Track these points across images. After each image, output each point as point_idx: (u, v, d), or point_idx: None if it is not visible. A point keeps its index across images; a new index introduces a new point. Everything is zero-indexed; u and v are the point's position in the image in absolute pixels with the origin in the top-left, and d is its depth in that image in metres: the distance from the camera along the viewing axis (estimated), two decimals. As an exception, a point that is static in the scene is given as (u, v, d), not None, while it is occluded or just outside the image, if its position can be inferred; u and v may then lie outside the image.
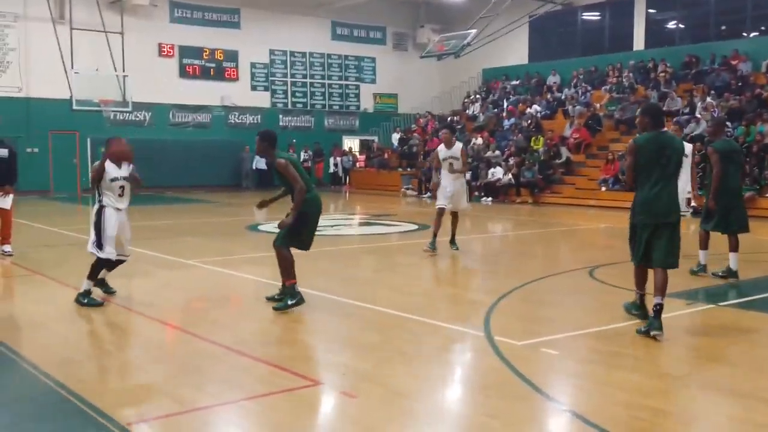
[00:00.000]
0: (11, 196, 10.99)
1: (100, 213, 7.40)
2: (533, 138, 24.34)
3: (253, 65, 29.69)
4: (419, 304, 7.94)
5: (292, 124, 30.78)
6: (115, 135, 8.24)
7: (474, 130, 27.25)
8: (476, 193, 23.22)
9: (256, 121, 29.74)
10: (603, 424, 4.38)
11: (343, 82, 32.16)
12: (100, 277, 7.65)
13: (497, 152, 24.64)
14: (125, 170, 7.51)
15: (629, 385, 5.15)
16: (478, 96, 30.61)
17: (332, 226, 15.92)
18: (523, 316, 7.42)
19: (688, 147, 9.79)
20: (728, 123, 19.61)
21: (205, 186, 27.28)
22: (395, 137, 30.56)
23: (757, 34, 24.39)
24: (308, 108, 31.24)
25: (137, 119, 26.86)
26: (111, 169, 7.42)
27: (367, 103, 32.65)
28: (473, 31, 24.86)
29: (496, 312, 7.30)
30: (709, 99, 21.66)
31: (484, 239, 12.28)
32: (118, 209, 7.44)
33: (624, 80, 25.55)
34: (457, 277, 10.33)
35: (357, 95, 32.50)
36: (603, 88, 25.97)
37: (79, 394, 4.89)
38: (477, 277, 10.39)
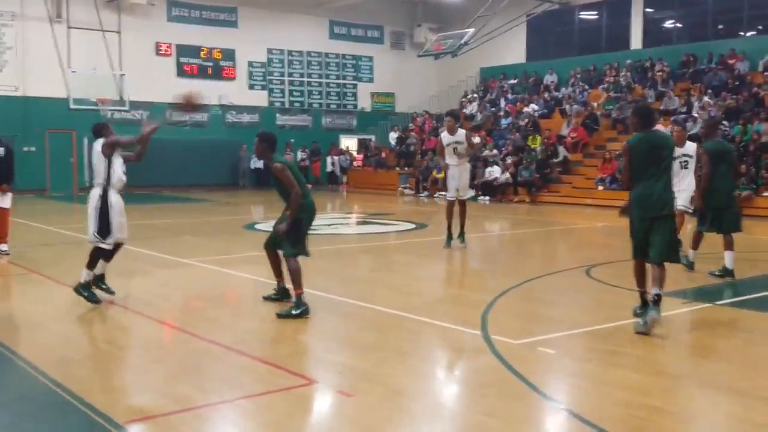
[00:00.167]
0: (10, 195, 10.99)
1: (105, 199, 7.32)
2: (531, 137, 24.36)
3: (250, 64, 29.68)
4: (417, 303, 7.95)
5: (290, 123, 30.77)
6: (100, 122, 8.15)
7: (471, 129, 27.24)
8: (473, 192, 23.22)
9: (253, 120, 29.73)
10: (600, 422, 4.39)
11: (341, 81, 32.16)
12: (98, 273, 7.55)
13: (495, 151, 24.65)
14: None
15: (626, 383, 5.16)
16: (475, 95, 30.62)
17: (330, 225, 15.93)
18: (521, 315, 7.44)
19: (692, 147, 9.85)
20: (725, 122, 19.71)
21: (203, 185, 27.26)
22: (393, 136, 30.56)
23: (754, 33, 24.44)
24: (306, 107, 31.23)
25: (134, 118, 26.80)
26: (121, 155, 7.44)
27: (364, 102, 32.65)
28: (471, 30, 24.86)
29: (493, 311, 7.31)
30: (706, 98, 21.69)
31: (481, 238, 12.30)
32: (119, 193, 7.46)
33: (621, 79, 25.57)
34: (455, 276, 10.34)
35: (354, 94, 32.49)
36: (600, 87, 25.98)
37: (77, 394, 4.89)
38: (474, 276, 10.40)
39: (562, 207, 20.48)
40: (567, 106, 25.59)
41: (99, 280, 7.60)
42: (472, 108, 29.67)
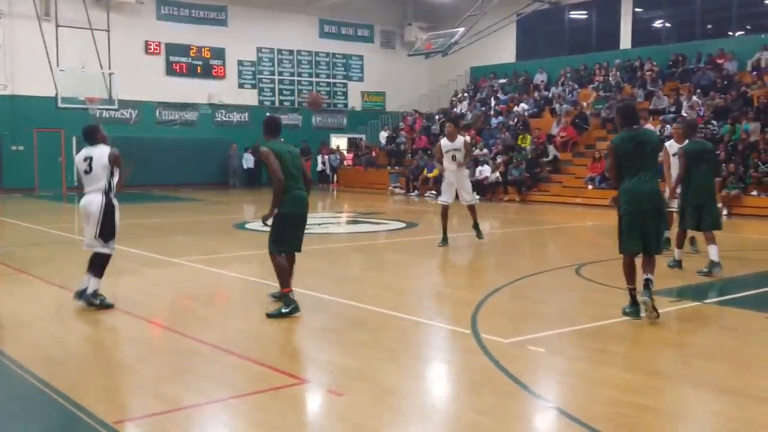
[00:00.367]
0: (-3, 194, 10.92)
1: (111, 207, 7.29)
2: (521, 136, 24.40)
3: (240, 63, 29.61)
4: (407, 302, 7.96)
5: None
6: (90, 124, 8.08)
7: (462, 128, 27.26)
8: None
9: (243, 119, 29.68)
10: (589, 421, 4.40)
11: (331, 80, 32.13)
12: (83, 287, 7.45)
13: (485, 150, 24.68)
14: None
15: (615, 382, 5.18)
16: (465, 94, 30.65)
17: (320, 224, 15.91)
18: (511, 314, 7.45)
19: None
20: (714, 122, 19.82)
21: (193, 184, 27.19)
22: (383, 135, 30.56)
23: (742, 33, 24.57)
24: (296, 106, 31.19)
25: (123, 117, 26.73)
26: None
27: (354, 101, 32.63)
28: (461, 30, 24.88)
29: (483, 310, 7.32)
30: (695, 98, 21.79)
31: (471, 237, 12.31)
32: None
33: (611, 79, 25.66)
34: (445, 275, 10.35)
35: (345, 93, 32.46)
36: (590, 86, 26.06)
37: (65, 394, 4.86)
38: (465, 274, 10.41)
39: (552, 206, 20.53)
40: (557, 106, 25.65)
41: (80, 294, 7.47)
42: (462, 107, 29.70)
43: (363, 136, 32.19)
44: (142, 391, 5.08)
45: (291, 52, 30.93)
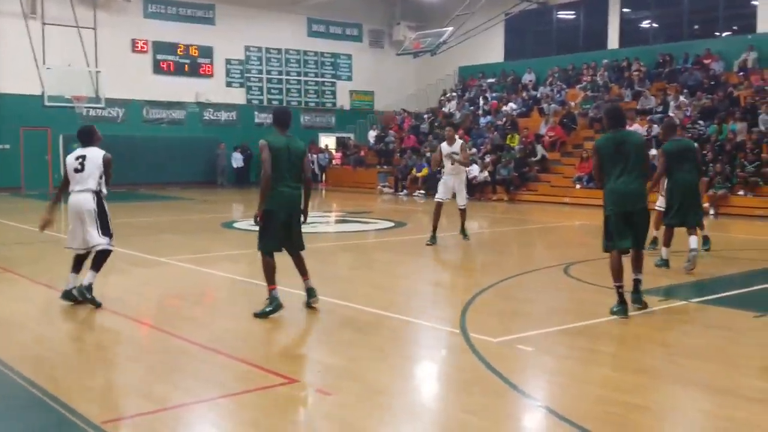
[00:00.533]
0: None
1: (104, 205, 7.30)
2: (509, 136, 24.45)
3: (228, 61, 29.51)
4: (396, 301, 7.95)
5: (268, 120, 30.58)
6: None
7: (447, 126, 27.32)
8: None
9: (231, 118, 29.60)
10: (578, 420, 4.41)
11: (319, 79, 32.07)
12: (70, 287, 7.41)
13: (473, 150, 24.69)
14: None
15: (604, 381, 5.20)
16: (454, 94, 30.68)
17: (309, 223, 15.86)
18: (499, 313, 7.46)
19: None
20: (701, 122, 19.93)
21: (180, 183, 27.08)
22: (372, 134, 30.55)
23: (729, 33, 24.70)
24: (284, 105, 31.09)
25: (110, 115, 26.58)
26: None
27: (343, 101, 32.59)
28: (449, 29, 24.90)
29: (472, 309, 7.33)
30: (682, 98, 21.90)
31: (451, 238, 12.34)
32: None
33: (598, 79, 25.75)
34: (434, 274, 10.35)
35: (333, 92, 32.42)
36: (578, 86, 26.15)
37: (52, 393, 4.83)
38: (453, 274, 10.42)
39: (540, 205, 20.58)
40: (545, 105, 25.72)
41: (71, 294, 7.45)
42: (450, 107, 29.73)
43: (351, 135, 32.16)
44: (130, 390, 5.06)
45: (279, 50, 30.85)
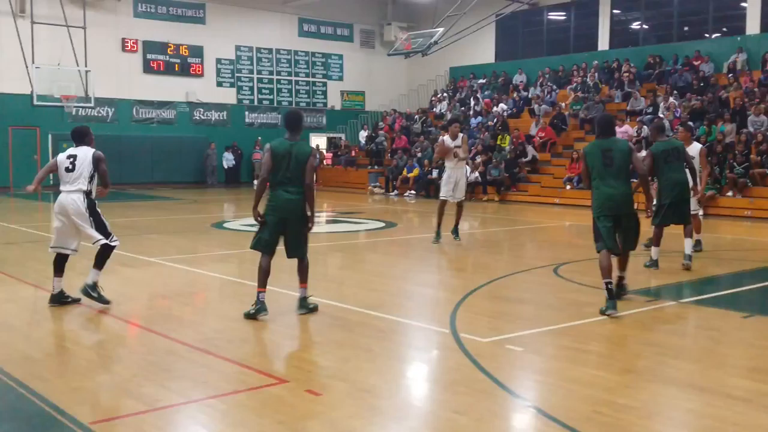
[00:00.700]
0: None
1: (95, 204, 7.28)
2: (500, 136, 24.50)
3: (218, 61, 29.45)
4: (386, 301, 7.96)
5: (259, 120, 30.59)
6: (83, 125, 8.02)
7: (449, 124, 27.31)
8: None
9: (221, 118, 29.54)
10: (566, 419, 4.43)
11: (310, 79, 32.05)
12: (57, 291, 7.38)
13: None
14: None
15: (592, 380, 5.22)
16: (445, 94, 30.72)
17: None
18: (489, 313, 7.47)
19: (697, 147, 10.40)
20: (690, 123, 20.01)
21: (170, 183, 27.02)
22: (362, 135, 30.55)
23: (718, 35, 24.83)
24: (275, 105, 31.08)
25: (100, 115, 26.48)
26: None
27: (334, 101, 32.57)
28: (440, 30, 24.91)
29: (461, 309, 7.34)
30: (671, 99, 22.00)
31: (450, 236, 12.35)
32: None
33: (589, 80, 25.84)
34: (424, 274, 10.36)
35: (324, 92, 32.40)
36: (568, 87, 26.23)
37: (40, 393, 4.82)
38: (443, 274, 10.43)
39: (530, 206, 20.63)
40: (536, 106, 25.79)
41: (57, 297, 7.39)
42: (441, 107, 29.76)
43: (342, 136, 32.16)
44: (118, 391, 5.04)
45: (270, 50, 30.81)
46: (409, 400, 5.06)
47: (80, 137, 7.46)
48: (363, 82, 32.99)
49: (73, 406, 4.60)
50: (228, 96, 29.84)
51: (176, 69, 28.30)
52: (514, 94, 27.83)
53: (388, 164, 26.56)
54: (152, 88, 27.63)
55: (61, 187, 7.29)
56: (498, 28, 29.78)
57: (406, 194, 24.20)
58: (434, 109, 30.08)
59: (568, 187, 20.92)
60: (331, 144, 32.08)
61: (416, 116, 29.76)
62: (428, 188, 23.77)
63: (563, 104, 25.31)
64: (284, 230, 7.00)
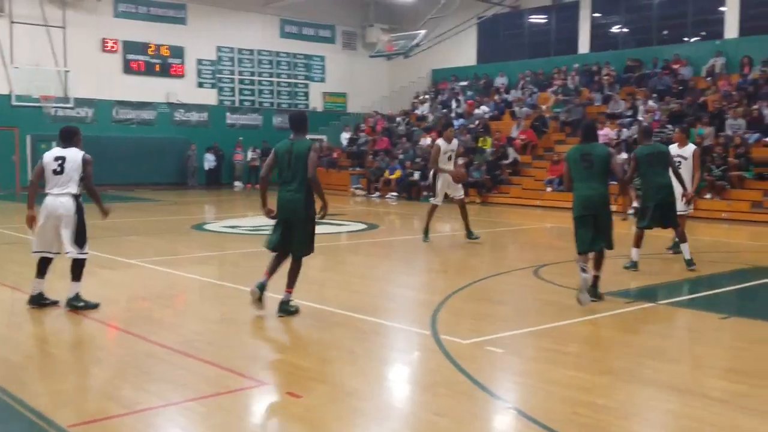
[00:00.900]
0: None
1: (83, 211, 7.19)
2: (481, 138, 24.57)
3: (199, 62, 29.29)
4: (367, 303, 7.96)
5: (240, 122, 30.46)
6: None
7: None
8: (425, 193, 23.34)
9: (202, 119, 29.38)
10: (546, 420, 4.45)
11: (292, 81, 31.97)
12: (36, 292, 7.31)
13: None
14: None
15: (572, 382, 5.25)
16: (427, 96, 30.77)
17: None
18: (470, 315, 7.50)
19: (690, 149, 10.52)
20: (669, 126, 20.20)
21: (150, 184, 26.82)
22: (344, 136, 30.51)
23: (698, 39, 25.06)
24: (256, 106, 30.97)
25: (79, 116, 26.22)
26: None
27: (316, 102, 32.52)
28: (422, 32, 24.97)
29: (443, 311, 7.36)
30: (651, 102, 22.18)
31: (431, 238, 12.37)
32: None
33: (569, 83, 25.99)
34: (406, 276, 10.37)
35: (306, 94, 32.33)
36: (549, 90, 26.36)
37: (18, 397, 4.77)
38: (425, 276, 10.45)
39: (511, 208, 20.71)
40: (517, 109, 25.89)
41: (36, 299, 7.33)
42: (423, 109, 29.81)
43: (324, 137, 32.08)
44: (98, 394, 5.01)
45: (251, 51, 30.70)
46: (389, 401, 5.06)
47: (68, 138, 7.35)
48: (345, 83, 32.96)
49: (52, 410, 4.57)
50: (209, 97, 29.69)
51: (157, 70, 28.12)
52: (496, 97, 27.93)
53: (370, 166, 26.55)
54: (132, 89, 27.43)
55: (48, 190, 7.18)
56: (479, 31, 29.88)
57: (387, 196, 24.21)
58: (416, 111, 30.12)
59: (549, 189, 21.02)
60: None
61: (399, 118, 29.78)
62: (410, 190, 23.80)
63: (544, 107, 25.43)
64: (289, 229, 7.14)
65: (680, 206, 9.81)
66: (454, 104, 28.68)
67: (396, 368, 5.90)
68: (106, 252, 11.01)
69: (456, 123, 26.89)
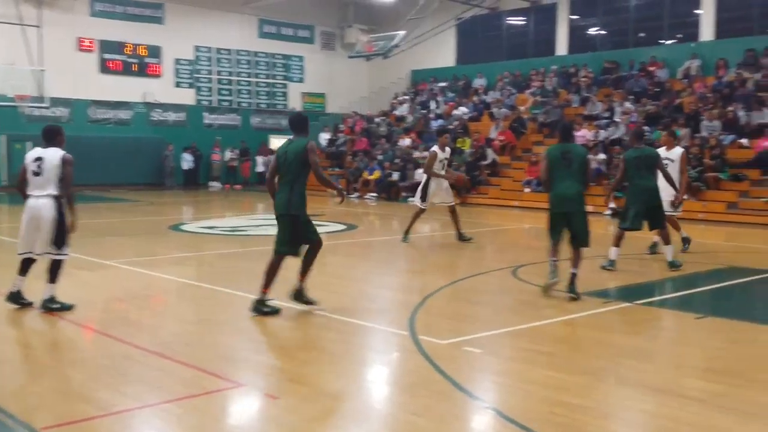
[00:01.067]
0: None
1: (62, 208, 7.04)
2: (460, 139, 24.63)
3: (177, 61, 29.09)
4: (346, 303, 7.94)
5: (218, 122, 30.30)
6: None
7: (403, 131, 27.43)
8: (404, 194, 23.37)
9: (180, 119, 29.19)
10: (524, 420, 4.46)
11: (271, 81, 31.86)
12: (16, 289, 7.23)
13: (425, 153, 24.81)
14: None
15: (549, 381, 5.27)
16: (406, 97, 30.79)
17: (258, 225, 15.76)
18: (448, 316, 7.50)
19: (678, 151, 10.69)
20: (646, 127, 20.38)
21: (127, 185, 26.58)
22: (323, 137, 30.45)
23: (674, 41, 25.30)
24: (234, 106, 30.82)
25: (55, 115, 25.91)
26: None
27: (294, 103, 32.41)
28: (402, 33, 24.99)
29: (421, 311, 7.36)
30: (627, 104, 22.36)
31: (411, 239, 12.37)
32: None
33: (547, 84, 26.13)
34: (384, 276, 10.36)
35: (285, 94, 32.22)
36: (527, 91, 26.48)
37: (-11, 400, 4.70)
38: (404, 276, 10.44)
39: (490, 209, 20.77)
40: (495, 110, 25.98)
41: (17, 297, 7.25)
42: (402, 110, 29.83)
43: (303, 138, 31.95)
44: (72, 396, 4.94)
45: (229, 51, 30.55)
46: (367, 402, 5.05)
47: (50, 137, 7.22)
48: (324, 84, 32.90)
49: (26, 412, 4.51)
50: (186, 97, 29.50)
51: (134, 69, 27.89)
52: (474, 98, 28.01)
53: (349, 166, 26.53)
54: (109, 89, 27.17)
55: (29, 192, 7.07)
56: (458, 32, 29.96)
57: (366, 196, 24.19)
58: (395, 112, 30.13)
59: (528, 189, 21.11)
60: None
61: (380, 119, 29.76)
62: (389, 191, 23.80)
63: (522, 108, 25.55)
64: (280, 228, 7.27)
65: (666, 207, 9.96)
66: (433, 105, 28.74)
67: (374, 369, 5.89)
68: (83, 253, 10.88)
69: (435, 124, 26.96)
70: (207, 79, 30.05)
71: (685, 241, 11.45)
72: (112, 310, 7.72)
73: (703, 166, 18.42)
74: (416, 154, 24.79)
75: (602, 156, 20.27)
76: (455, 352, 6.01)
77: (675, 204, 10.27)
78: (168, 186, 27.82)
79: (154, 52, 28.31)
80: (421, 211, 12.65)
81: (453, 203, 12.80)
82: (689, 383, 5.34)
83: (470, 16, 27.43)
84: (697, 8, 24.19)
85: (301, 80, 32.58)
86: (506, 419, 4.53)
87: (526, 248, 13.49)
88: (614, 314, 7.62)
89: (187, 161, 28.55)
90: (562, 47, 27.66)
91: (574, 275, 7.86)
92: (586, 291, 8.04)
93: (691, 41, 24.22)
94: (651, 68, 24.06)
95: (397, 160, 24.86)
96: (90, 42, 26.81)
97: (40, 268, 7.30)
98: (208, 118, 29.97)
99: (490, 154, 23.49)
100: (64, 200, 7.09)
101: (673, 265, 9.80)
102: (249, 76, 31.21)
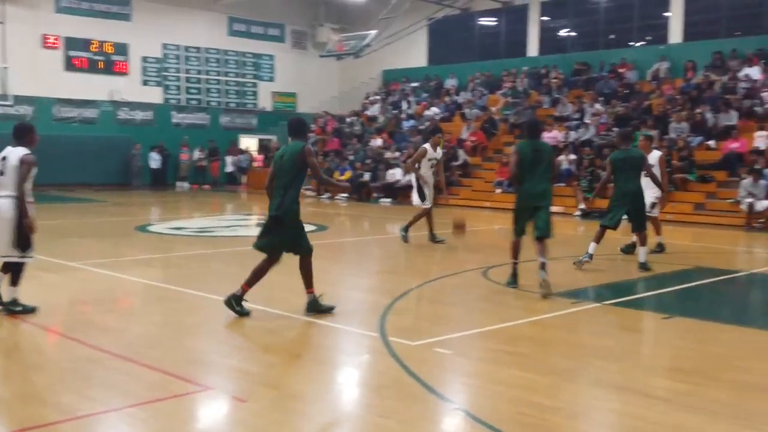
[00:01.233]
0: None
1: (22, 209, 6.84)
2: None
3: (144, 59, 28.75)
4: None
5: (186, 121, 29.99)
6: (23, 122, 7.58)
7: (375, 131, 27.40)
8: (375, 195, 23.33)
9: (147, 118, 28.84)
10: (493, 421, 4.45)
11: (240, 80, 31.63)
12: None
13: (396, 153, 24.82)
14: None
15: (518, 382, 5.26)
16: (377, 97, 30.76)
17: (228, 227, 15.62)
18: (418, 317, 7.49)
19: (656, 155, 11.07)
20: (615, 128, 20.57)
21: (93, 184, 26.19)
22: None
23: (643, 43, 25.59)
24: (203, 105, 30.55)
25: (19, 113, 25.44)
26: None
27: (265, 102, 32.23)
28: (373, 32, 24.95)
29: (391, 313, 7.33)
30: (597, 105, 22.55)
31: (381, 240, 12.36)
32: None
33: (518, 85, 26.27)
34: (355, 278, 10.32)
35: (255, 93, 32.01)
36: (499, 92, 26.59)
37: (-53, 406, 4.57)
38: (374, 278, 10.41)
39: (461, 209, 20.78)
40: (467, 110, 26.06)
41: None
42: (374, 110, 29.79)
43: (274, 138, 31.80)
44: (35, 400, 4.83)
45: (198, 49, 30.27)
46: (336, 405, 5.01)
47: (19, 136, 7.05)
48: (294, 83, 32.74)
49: (-16, 418, 4.39)
50: (154, 95, 29.17)
51: (100, 67, 27.51)
52: (446, 98, 28.06)
53: (321, 167, 26.41)
54: (74, 87, 26.76)
55: None
56: (430, 32, 30.02)
57: (337, 197, 24.12)
58: (366, 112, 30.08)
59: (498, 190, 21.19)
60: (262, 146, 31.67)
61: (352, 119, 29.69)
62: (360, 191, 23.74)
63: (494, 109, 25.65)
64: (269, 229, 7.34)
65: (647, 208, 10.15)
66: (404, 105, 28.74)
67: (343, 371, 5.84)
68: (46, 254, 10.67)
69: (406, 124, 26.97)
70: (175, 78, 29.75)
71: (660, 246, 11.54)
72: (77, 313, 7.59)
73: (671, 167, 18.62)
74: (388, 154, 24.77)
75: (573, 156, 20.42)
76: (425, 353, 5.98)
77: (658, 205, 10.50)
78: (135, 186, 27.46)
79: (121, 49, 27.96)
80: (427, 210, 12.61)
81: (429, 206, 12.75)
82: (656, 383, 5.37)
83: (442, 16, 27.48)
84: (666, 11, 24.50)
85: (271, 79, 32.40)
86: (476, 420, 4.52)
87: (496, 249, 13.49)
88: (583, 314, 7.65)
89: (154, 161, 28.22)
90: (533, 48, 27.83)
91: (543, 263, 8.00)
92: (555, 292, 8.07)
93: (661, 43, 24.52)
94: (621, 70, 24.30)
95: (368, 161, 24.81)
96: (55, 39, 26.39)
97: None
98: (177, 117, 29.67)
99: (462, 155, 23.54)
100: (26, 199, 6.93)
101: (644, 267, 9.90)
102: (218, 75, 30.97)
